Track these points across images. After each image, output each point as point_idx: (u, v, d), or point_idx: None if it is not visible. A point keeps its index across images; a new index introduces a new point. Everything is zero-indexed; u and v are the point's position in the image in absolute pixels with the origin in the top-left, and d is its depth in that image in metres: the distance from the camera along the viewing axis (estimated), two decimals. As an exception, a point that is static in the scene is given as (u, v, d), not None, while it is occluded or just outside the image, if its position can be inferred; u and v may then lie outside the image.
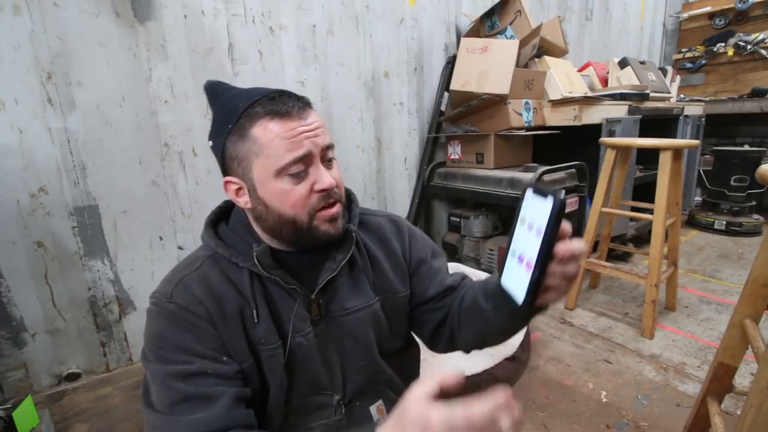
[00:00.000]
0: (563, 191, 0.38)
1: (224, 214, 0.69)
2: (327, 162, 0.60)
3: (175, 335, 0.55)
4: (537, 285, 0.38)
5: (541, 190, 0.39)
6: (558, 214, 0.37)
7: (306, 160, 0.57)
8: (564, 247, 0.40)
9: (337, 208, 0.61)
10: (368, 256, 0.70)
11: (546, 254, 0.38)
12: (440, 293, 0.73)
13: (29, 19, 1.24)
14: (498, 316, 0.59)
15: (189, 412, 0.52)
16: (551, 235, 0.37)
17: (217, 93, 0.63)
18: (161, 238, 1.58)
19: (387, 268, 0.71)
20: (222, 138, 0.58)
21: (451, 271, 0.77)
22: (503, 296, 0.46)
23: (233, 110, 0.57)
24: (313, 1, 1.81)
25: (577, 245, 0.42)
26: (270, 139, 0.55)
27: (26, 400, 1.10)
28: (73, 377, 1.47)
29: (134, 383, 1.49)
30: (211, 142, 0.62)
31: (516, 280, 0.40)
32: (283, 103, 0.56)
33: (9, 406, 1.07)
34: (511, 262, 0.42)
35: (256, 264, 0.58)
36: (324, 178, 0.58)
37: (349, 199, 0.72)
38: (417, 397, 0.40)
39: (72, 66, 1.32)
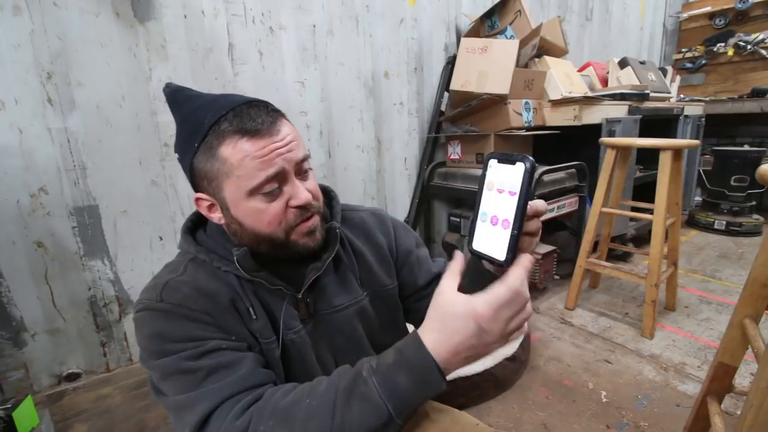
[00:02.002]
0: (525, 155, 0.41)
1: (200, 220, 0.67)
2: (303, 174, 0.58)
3: (176, 329, 0.53)
4: (518, 240, 0.42)
5: (507, 158, 0.42)
6: (531, 176, 0.41)
7: (279, 177, 0.54)
8: (529, 206, 0.45)
9: (314, 221, 0.59)
10: (353, 252, 0.70)
11: (524, 211, 0.42)
12: (429, 281, 0.74)
13: (29, 19, 1.24)
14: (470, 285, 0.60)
15: (217, 382, 0.50)
16: (527, 195, 0.41)
17: (178, 102, 0.60)
18: (161, 238, 1.58)
19: (372, 262, 0.71)
20: (189, 155, 0.56)
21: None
22: (475, 263, 0.48)
23: (198, 126, 0.54)
24: (313, 1, 1.81)
25: (540, 204, 0.46)
26: (240, 159, 0.52)
27: (26, 400, 1.10)
28: (73, 377, 1.48)
29: (134, 383, 1.49)
30: (177, 156, 0.60)
31: (492, 242, 0.43)
32: (252, 119, 0.53)
33: (9, 406, 1.07)
34: (482, 226, 0.45)
35: (238, 268, 0.57)
36: (300, 194, 0.56)
37: (329, 196, 0.71)
38: (450, 291, 0.45)
39: (72, 66, 1.32)
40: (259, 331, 0.59)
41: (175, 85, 0.61)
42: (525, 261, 0.43)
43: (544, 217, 2.08)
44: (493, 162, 0.44)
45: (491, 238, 0.43)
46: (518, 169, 0.41)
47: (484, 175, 0.44)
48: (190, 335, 0.53)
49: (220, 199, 0.56)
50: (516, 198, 0.41)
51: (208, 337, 0.53)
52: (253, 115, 0.53)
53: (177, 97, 0.60)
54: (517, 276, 0.43)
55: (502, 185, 0.43)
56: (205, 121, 0.54)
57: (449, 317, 0.44)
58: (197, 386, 0.50)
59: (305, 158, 0.58)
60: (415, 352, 0.45)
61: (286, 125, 0.57)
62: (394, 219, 0.78)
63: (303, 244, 0.59)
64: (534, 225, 0.47)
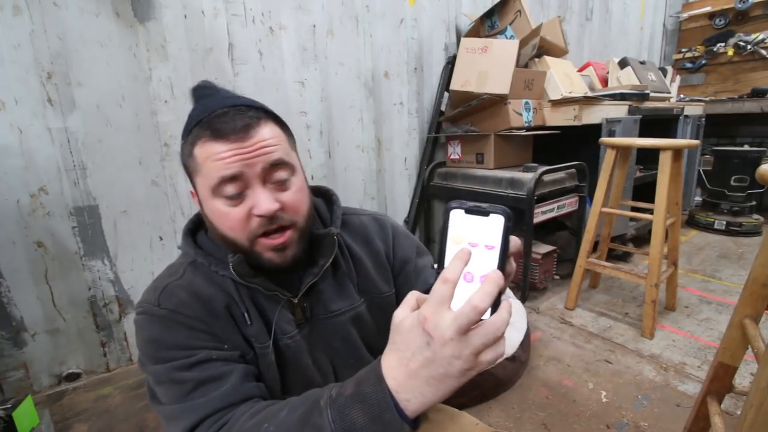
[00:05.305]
0: (502, 207, 0.38)
1: (202, 221, 0.67)
2: (277, 183, 0.56)
3: (170, 336, 0.55)
4: (501, 295, 0.38)
5: (476, 210, 0.39)
6: (510, 229, 0.38)
7: (238, 182, 0.53)
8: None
9: (285, 237, 0.56)
10: (351, 257, 0.69)
11: (504, 264, 0.38)
12: (427, 290, 0.73)
13: (29, 19, 1.24)
14: None
15: (203, 395, 0.52)
16: (507, 248, 0.38)
17: (194, 99, 0.62)
18: (161, 238, 1.58)
19: (370, 269, 0.70)
20: (181, 150, 0.59)
21: None
22: None
23: (189, 123, 0.57)
24: (313, 1, 1.81)
25: (516, 242, 0.42)
26: (204, 158, 0.54)
27: (26, 400, 1.10)
28: (73, 377, 1.48)
29: (134, 383, 1.49)
30: None
31: (463, 300, 0.38)
32: (225, 123, 0.53)
33: (9, 406, 1.07)
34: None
35: (233, 273, 0.57)
36: (261, 203, 0.53)
37: (331, 200, 0.71)
38: (403, 311, 0.40)
39: (72, 66, 1.32)
40: (254, 336, 0.59)
41: (203, 83, 0.62)
42: (496, 278, 0.38)
43: (543, 217, 2.08)
44: (457, 213, 0.39)
45: (462, 295, 0.38)
46: (494, 222, 0.38)
47: (446, 228, 0.40)
48: (183, 343, 0.54)
49: (198, 194, 0.58)
50: (494, 253, 0.38)
51: (200, 346, 0.55)
52: (227, 119, 0.54)
53: (196, 95, 0.62)
54: (485, 294, 0.37)
55: (474, 239, 0.39)
56: (193, 119, 0.56)
57: (402, 334, 0.40)
58: (184, 398, 0.52)
59: (279, 163, 0.55)
60: (374, 386, 0.41)
61: (266, 131, 0.55)
62: (396, 225, 0.77)
63: (268, 259, 0.57)
64: (509, 267, 0.42)
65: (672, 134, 2.85)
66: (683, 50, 4.07)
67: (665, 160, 1.71)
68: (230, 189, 0.53)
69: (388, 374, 0.40)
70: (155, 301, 0.56)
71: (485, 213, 0.38)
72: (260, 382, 0.58)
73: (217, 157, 0.53)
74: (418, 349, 0.38)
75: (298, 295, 0.62)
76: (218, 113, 0.55)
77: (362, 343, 0.69)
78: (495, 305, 0.37)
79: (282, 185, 0.56)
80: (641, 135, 2.40)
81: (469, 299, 0.36)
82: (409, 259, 0.74)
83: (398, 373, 0.40)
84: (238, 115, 0.54)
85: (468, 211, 0.39)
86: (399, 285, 0.73)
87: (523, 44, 2.03)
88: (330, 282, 0.66)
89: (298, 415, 0.45)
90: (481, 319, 0.37)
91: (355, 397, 0.42)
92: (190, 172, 0.58)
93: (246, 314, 0.59)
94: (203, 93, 0.61)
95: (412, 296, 0.42)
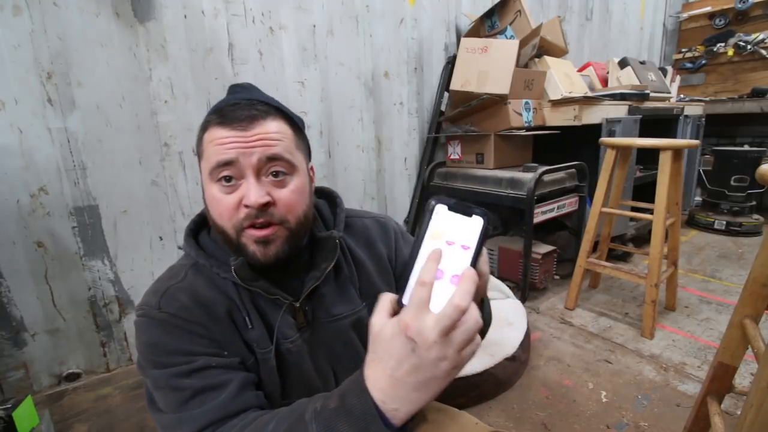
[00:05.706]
0: (483, 209, 0.38)
1: (204, 221, 0.66)
2: (272, 177, 0.56)
3: (170, 341, 0.54)
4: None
5: (460, 208, 0.39)
6: (488, 231, 0.38)
7: (233, 169, 0.54)
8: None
9: (271, 231, 0.56)
10: (354, 261, 0.69)
11: (476, 264, 0.39)
12: None
13: (29, 19, 1.24)
14: None
15: (200, 405, 0.51)
16: (481, 250, 0.38)
17: (226, 94, 0.63)
18: (161, 238, 1.58)
19: (372, 272, 0.70)
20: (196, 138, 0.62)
21: None
22: None
23: (207, 113, 0.60)
24: (313, 1, 1.81)
25: (484, 256, 0.42)
26: (208, 142, 0.56)
27: (26, 400, 1.10)
28: (73, 377, 1.48)
29: (134, 383, 1.49)
30: None
31: (437, 297, 0.38)
32: (233, 111, 0.55)
33: (9, 406, 1.06)
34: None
35: (234, 276, 0.57)
36: (251, 193, 0.53)
37: (335, 202, 0.71)
38: (381, 319, 0.40)
39: (72, 66, 1.32)
40: (256, 340, 0.59)
41: (244, 83, 0.64)
42: (470, 275, 0.38)
43: (543, 217, 2.08)
44: (441, 209, 0.39)
45: (436, 293, 0.38)
46: (473, 223, 0.38)
47: (427, 223, 0.40)
48: (182, 349, 0.54)
49: (202, 180, 0.59)
50: (469, 253, 0.38)
51: (200, 352, 0.54)
52: (236, 109, 0.56)
53: (228, 91, 0.63)
54: (464, 290, 0.37)
55: (452, 237, 0.39)
56: (211, 109, 0.59)
57: (383, 343, 0.39)
58: (181, 407, 0.52)
59: (276, 159, 0.55)
60: (358, 398, 0.40)
61: (271, 125, 0.56)
62: (399, 228, 0.76)
63: (252, 252, 0.56)
64: (481, 280, 0.42)
65: (672, 134, 2.85)
66: (683, 50, 4.07)
67: (665, 160, 1.71)
68: (224, 173, 0.54)
69: (372, 386, 0.40)
70: (156, 304, 0.56)
71: (468, 213, 0.39)
72: (259, 390, 0.57)
73: (218, 141, 0.54)
74: (403, 356, 0.38)
75: (299, 298, 0.61)
76: (231, 103, 0.57)
77: (363, 348, 0.68)
78: None
79: (278, 181, 0.56)
80: (641, 135, 2.40)
81: (451, 299, 0.36)
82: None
83: (383, 383, 0.39)
84: (247, 107, 0.56)
85: (451, 208, 0.39)
86: (400, 288, 0.73)
87: (523, 44, 2.03)
88: (332, 286, 0.65)
89: (283, 430, 0.45)
90: None
91: (340, 409, 0.41)
92: (199, 157, 0.59)
93: (247, 318, 0.59)
94: (234, 90, 0.63)
95: (386, 299, 0.41)
